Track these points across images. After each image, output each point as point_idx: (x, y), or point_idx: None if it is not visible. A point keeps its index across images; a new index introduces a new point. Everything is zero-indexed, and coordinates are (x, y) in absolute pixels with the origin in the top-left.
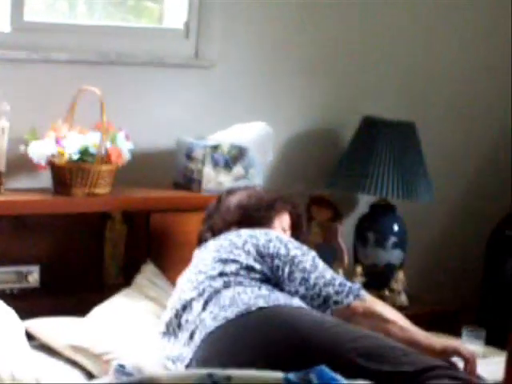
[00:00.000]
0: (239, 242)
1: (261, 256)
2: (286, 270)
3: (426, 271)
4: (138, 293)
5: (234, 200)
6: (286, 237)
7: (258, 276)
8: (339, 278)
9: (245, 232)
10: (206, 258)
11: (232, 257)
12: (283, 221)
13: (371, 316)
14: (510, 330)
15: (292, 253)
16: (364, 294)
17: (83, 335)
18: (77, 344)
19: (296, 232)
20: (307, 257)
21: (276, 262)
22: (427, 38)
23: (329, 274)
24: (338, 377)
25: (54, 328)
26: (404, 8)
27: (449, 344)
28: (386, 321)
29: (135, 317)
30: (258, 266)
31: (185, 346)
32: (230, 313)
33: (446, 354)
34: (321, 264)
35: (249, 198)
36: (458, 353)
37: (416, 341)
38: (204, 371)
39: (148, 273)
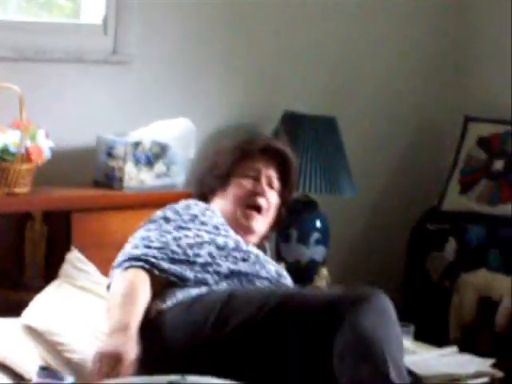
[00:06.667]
0: None
1: None
2: None
3: (349, 267)
4: (68, 284)
5: None
6: None
7: None
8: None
9: None
10: None
11: None
12: None
13: None
14: (436, 324)
15: None
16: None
17: (38, 317)
18: (34, 325)
19: None
20: None
21: None
22: (350, 34)
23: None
24: None
25: None
26: (328, 5)
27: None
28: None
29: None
30: None
31: None
32: None
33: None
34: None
35: None
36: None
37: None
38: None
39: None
